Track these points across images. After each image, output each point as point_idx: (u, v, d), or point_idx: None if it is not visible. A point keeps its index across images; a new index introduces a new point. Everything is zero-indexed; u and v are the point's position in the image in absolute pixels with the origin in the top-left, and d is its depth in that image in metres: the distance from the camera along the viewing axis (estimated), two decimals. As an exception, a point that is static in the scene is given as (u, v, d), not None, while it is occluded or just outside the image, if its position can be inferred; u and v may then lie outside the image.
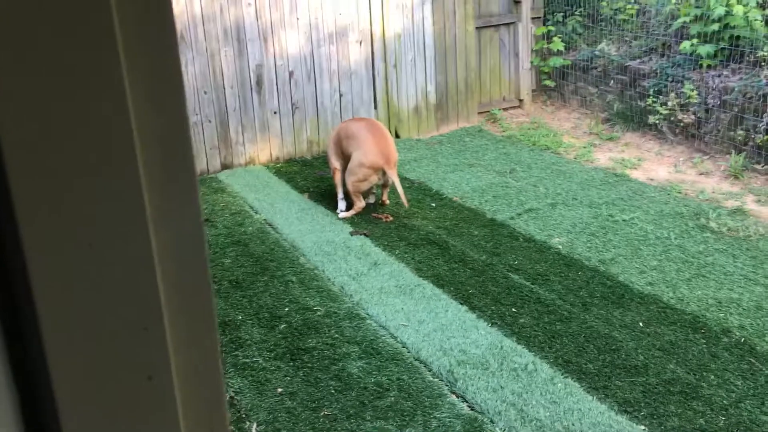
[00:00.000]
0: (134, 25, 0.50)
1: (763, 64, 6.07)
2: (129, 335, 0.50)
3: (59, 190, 0.47)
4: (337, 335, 3.84)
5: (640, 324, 3.88)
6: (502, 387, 3.36)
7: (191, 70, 6.23)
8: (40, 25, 0.46)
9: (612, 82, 7.44)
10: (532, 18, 8.09)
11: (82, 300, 0.49)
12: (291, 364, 3.60)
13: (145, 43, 0.51)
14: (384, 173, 5.26)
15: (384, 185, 5.46)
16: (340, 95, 6.92)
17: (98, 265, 0.49)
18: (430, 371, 3.52)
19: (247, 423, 3.16)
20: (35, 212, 0.47)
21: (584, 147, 6.87)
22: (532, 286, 4.32)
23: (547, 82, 8.17)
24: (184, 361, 0.53)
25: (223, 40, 6.30)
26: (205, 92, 6.33)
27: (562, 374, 3.45)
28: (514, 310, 4.06)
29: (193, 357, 0.54)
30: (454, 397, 3.32)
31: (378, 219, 5.39)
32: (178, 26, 6.11)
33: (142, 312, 0.51)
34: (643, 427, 3.07)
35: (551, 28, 8.07)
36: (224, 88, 6.40)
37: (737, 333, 3.75)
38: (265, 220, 5.42)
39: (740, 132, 6.07)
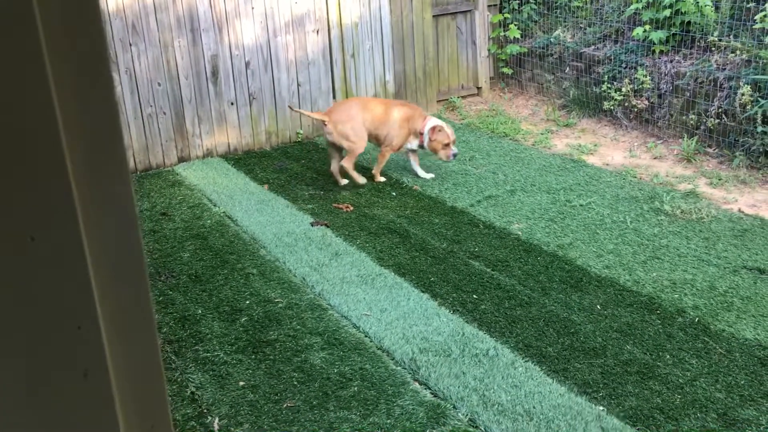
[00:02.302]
0: (57, 15, 0.48)
1: (713, 49, 6.20)
2: (62, 333, 0.49)
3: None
4: (299, 327, 3.83)
5: (598, 307, 3.95)
6: (464, 373, 3.38)
7: (144, 61, 6.10)
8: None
9: (568, 69, 7.53)
10: (489, 5, 8.13)
11: (10, 299, 0.47)
12: (253, 357, 3.58)
13: (71, 35, 0.48)
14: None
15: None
16: (298, 85, 6.86)
17: (27, 261, 0.47)
18: (392, 360, 3.53)
19: (209, 418, 3.13)
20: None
21: (542, 134, 6.95)
22: (493, 273, 4.36)
23: (505, 70, 8.22)
24: (121, 357, 0.52)
25: (176, 30, 6.19)
26: (159, 84, 6.21)
27: (522, 358, 3.50)
28: (475, 296, 4.09)
29: (132, 353, 0.53)
30: (416, 384, 3.33)
31: (338, 209, 5.37)
32: (129, 17, 5.98)
33: (74, 309, 0.49)
34: (601, 408, 3.13)
35: (507, 15, 8.12)
36: (179, 79, 6.29)
37: (691, 313, 3.85)
38: (224, 212, 5.36)
39: (692, 116, 6.21)
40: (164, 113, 6.30)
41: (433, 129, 5.67)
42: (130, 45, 6.01)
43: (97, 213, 0.49)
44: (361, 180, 5.78)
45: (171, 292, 4.22)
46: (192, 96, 6.38)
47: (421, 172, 6.00)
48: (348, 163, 5.68)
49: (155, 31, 6.10)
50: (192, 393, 3.31)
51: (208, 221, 5.20)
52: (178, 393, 3.31)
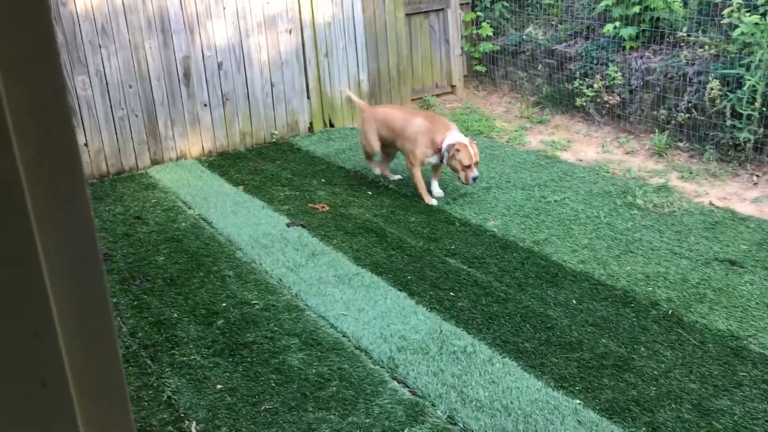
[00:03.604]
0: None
1: (682, 44, 6.29)
2: (17, 342, 0.48)
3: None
4: (276, 328, 3.81)
5: (574, 301, 3.98)
6: (442, 370, 3.39)
7: (114, 63, 6.03)
8: None
9: (540, 66, 7.58)
10: (461, 4, 8.16)
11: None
12: (230, 359, 3.55)
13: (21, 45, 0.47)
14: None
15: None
16: (272, 85, 6.83)
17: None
18: (370, 359, 3.52)
19: (186, 422, 3.10)
20: None
21: (516, 131, 6.99)
22: (469, 270, 4.37)
23: (478, 68, 8.26)
24: (81, 365, 0.51)
25: (147, 32, 6.12)
26: (130, 86, 6.14)
27: (500, 354, 3.51)
28: (452, 294, 4.11)
29: (92, 361, 0.52)
30: (395, 383, 3.34)
31: (314, 209, 5.35)
32: (99, 18, 5.90)
33: (30, 317, 0.48)
34: (578, 401, 3.16)
35: (480, 13, 8.16)
36: (150, 80, 6.22)
37: (665, 305, 3.90)
38: (199, 215, 5.31)
39: (663, 111, 6.29)
40: (136, 115, 6.23)
41: (452, 146, 5.10)
42: (100, 47, 5.94)
43: (51, 218, 0.49)
44: (376, 170, 5.90)
45: (146, 297, 4.18)
46: (164, 98, 6.32)
47: (435, 189, 5.51)
48: (366, 160, 5.94)
49: (125, 32, 6.03)
50: (168, 398, 3.28)
51: (183, 224, 5.16)
52: (155, 398, 3.28)
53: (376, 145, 5.72)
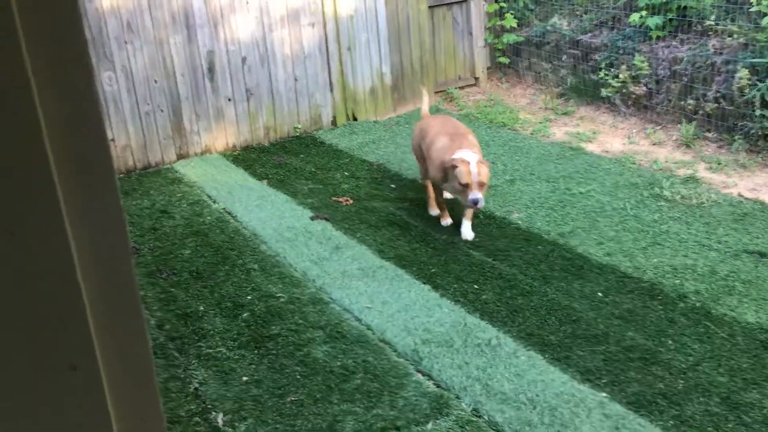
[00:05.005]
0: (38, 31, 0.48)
1: (710, 33, 6.18)
2: (49, 327, 0.49)
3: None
4: (301, 321, 3.83)
5: (599, 294, 3.95)
6: (466, 363, 3.39)
7: (140, 59, 6.09)
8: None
9: (565, 56, 7.50)
10: (484, -5, 8.10)
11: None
12: (255, 352, 3.58)
13: (52, 53, 0.48)
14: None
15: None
16: (295, 79, 6.85)
17: (15, 256, 0.47)
18: (395, 352, 3.53)
19: (213, 413, 3.14)
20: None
21: (540, 122, 6.93)
22: (494, 262, 4.35)
23: (502, 59, 8.20)
24: (110, 350, 0.52)
25: (171, 27, 6.17)
26: (156, 81, 6.20)
27: (525, 347, 3.50)
28: (476, 286, 4.09)
29: (120, 345, 0.53)
30: (419, 375, 3.34)
31: (338, 202, 5.37)
32: (124, 15, 5.96)
33: (62, 304, 0.49)
34: (604, 394, 3.14)
35: (503, 4, 8.09)
36: (175, 76, 6.28)
37: (693, 298, 3.85)
38: (224, 209, 5.36)
39: (690, 101, 6.19)
40: (161, 111, 6.29)
41: (451, 162, 4.45)
42: (126, 43, 6.00)
43: (84, 211, 0.50)
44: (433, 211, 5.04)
45: (173, 290, 4.23)
46: (189, 93, 6.37)
47: (465, 230, 4.69)
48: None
49: (150, 28, 6.08)
50: (195, 389, 3.32)
51: (208, 218, 5.20)
52: (182, 389, 3.32)
53: (423, 169, 5.06)
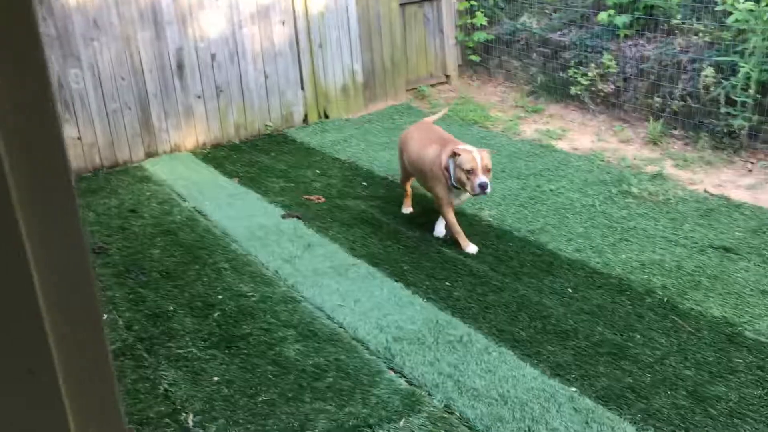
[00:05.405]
0: None
1: (676, 32, 6.28)
2: (4, 331, 0.47)
3: None
4: (272, 320, 3.81)
5: (569, 290, 3.99)
6: (438, 360, 3.40)
7: (106, 55, 5.99)
8: None
9: (535, 55, 7.56)
10: (455, -7, 8.12)
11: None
12: (226, 351, 3.55)
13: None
14: None
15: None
16: (266, 77, 6.80)
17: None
18: (367, 349, 3.53)
19: (183, 414, 3.11)
20: None
21: (511, 120, 6.98)
22: (465, 259, 4.37)
23: (473, 57, 8.24)
24: (68, 352, 0.51)
25: (139, 24, 6.08)
26: (123, 78, 6.11)
27: (496, 343, 3.52)
28: (448, 283, 4.11)
29: (79, 348, 0.51)
30: (392, 373, 3.34)
31: (310, 200, 5.34)
32: (91, 11, 5.86)
33: (14, 304, 0.47)
34: (574, 389, 3.17)
35: (474, 2, 8.12)
36: (143, 73, 6.19)
37: (660, 293, 3.91)
38: (194, 207, 5.30)
39: (657, 99, 6.28)
40: (129, 108, 6.20)
41: (452, 153, 4.37)
42: (92, 40, 5.90)
43: (34, 207, 0.48)
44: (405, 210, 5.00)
45: (142, 290, 4.17)
46: (157, 90, 6.29)
47: (438, 227, 4.70)
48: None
49: (117, 25, 5.99)
50: (165, 390, 3.28)
51: (178, 217, 5.15)
52: (151, 390, 3.27)
53: (403, 175, 5.03)
